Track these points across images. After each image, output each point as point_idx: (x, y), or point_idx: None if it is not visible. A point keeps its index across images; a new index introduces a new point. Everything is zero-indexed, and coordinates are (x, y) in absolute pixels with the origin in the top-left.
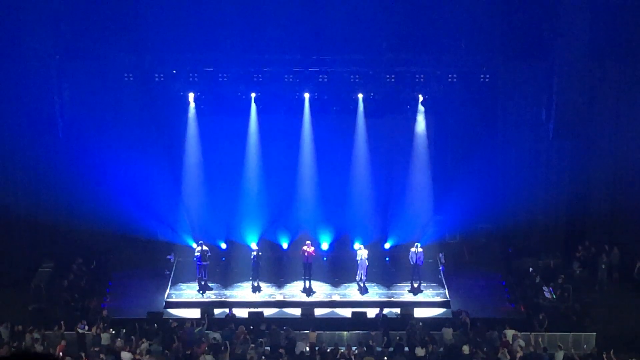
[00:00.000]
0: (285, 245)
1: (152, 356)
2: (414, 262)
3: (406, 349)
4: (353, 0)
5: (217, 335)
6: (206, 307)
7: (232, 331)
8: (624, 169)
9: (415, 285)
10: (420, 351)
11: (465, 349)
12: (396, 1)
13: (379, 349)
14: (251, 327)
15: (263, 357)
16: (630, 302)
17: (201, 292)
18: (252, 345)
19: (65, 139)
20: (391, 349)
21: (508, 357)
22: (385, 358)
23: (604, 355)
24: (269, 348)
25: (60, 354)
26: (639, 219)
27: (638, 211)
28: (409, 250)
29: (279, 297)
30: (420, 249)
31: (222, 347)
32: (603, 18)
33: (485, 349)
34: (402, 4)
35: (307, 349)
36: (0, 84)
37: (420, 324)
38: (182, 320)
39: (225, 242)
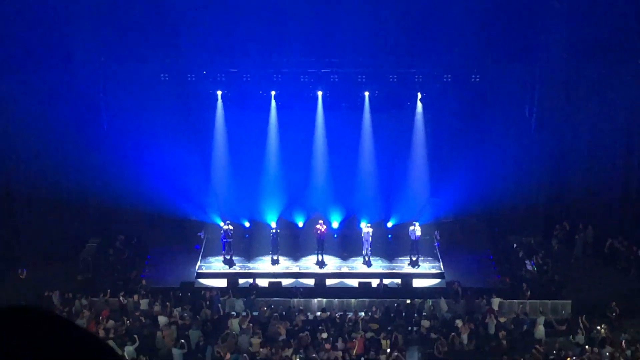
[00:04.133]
0: (300, 224)
1: (184, 320)
2: (413, 238)
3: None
4: (360, 11)
5: (240, 302)
6: (231, 278)
7: (254, 299)
8: (597, 158)
9: (414, 259)
10: (425, 323)
11: (459, 323)
12: (397, 12)
13: (380, 314)
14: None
15: (275, 314)
16: (601, 274)
17: (227, 264)
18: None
19: (109, 130)
20: (392, 314)
21: (494, 322)
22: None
23: (578, 320)
24: (284, 312)
25: (101, 317)
26: (610, 202)
27: (609, 195)
28: (409, 229)
29: (295, 269)
30: (418, 227)
31: (245, 314)
32: (579, 25)
33: (474, 315)
34: (402, 14)
35: (319, 313)
36: (55, 84)
37: (419, 301)
38: (210, 289)
39: (248, 221)
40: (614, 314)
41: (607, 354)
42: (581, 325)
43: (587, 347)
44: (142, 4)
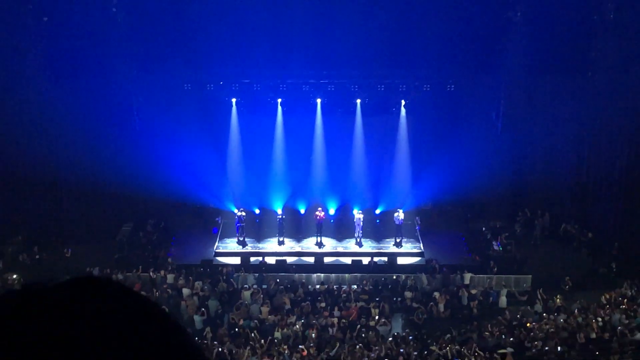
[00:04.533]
0: (302, 211)
1: (204, 292)
2: (397, 223)
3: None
4: (352, 31)
5: (251, 276)
6: (244, 256)
7: (263, 274)
8: (552, 155)
9: (398, 240)
10: (408, 294)
11: (436, 294)
12: (384, 31)
13: (370, 287)
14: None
15: (281, 287)
16: (556, 253)
17: (240, 245)
18: (277, 280)
19: (141, 131)
20: (380, 287)
21: (466, 294)
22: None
23: (537, 292)
24: (289, 285)
25: (135, 289)
26: (564, 192)
27: (563, 186)
28: (394, 215)
29: (298, 249)
30: (402, 214)
31: (255, 286)
32: (538, 42)
33: (449, 288)
34: (389, 34)
35: (318, 286)
36: (97, 91)
37: (403, 276)
38: (226, 266)
39: (258, 208)
40: (567, 287)
41: (561, 320)
42: (539, 296)
43: (544, 314)
44: (169, 26)
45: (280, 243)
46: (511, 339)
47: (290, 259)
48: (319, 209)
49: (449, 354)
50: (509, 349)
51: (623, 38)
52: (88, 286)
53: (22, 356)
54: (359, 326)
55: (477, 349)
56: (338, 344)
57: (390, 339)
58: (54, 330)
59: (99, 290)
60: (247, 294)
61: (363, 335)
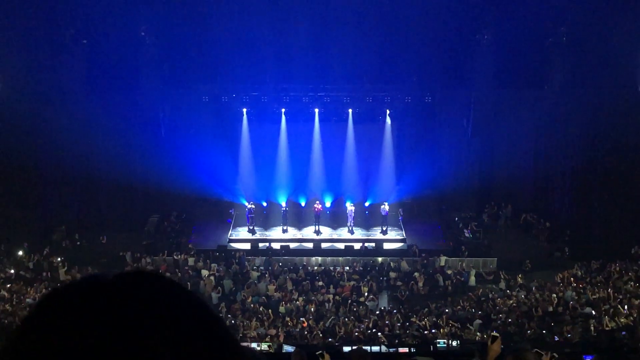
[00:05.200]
0: (303, 204)
1: (220, 272)
2: (383, 214)
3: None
4: (346, 52)
5: (260, 260)
6: (253, 242)
7: (270, 258)
8: (514, 156)
9: (384, 229)
10: (392, 274)
11: (417, 275)
12: (371, 53)
13: (360, 268)
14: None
15: (285, 268)
16: (517, 239)
17: (250, 233)
18: (280, 263)
19: (166, 136)
20: (368, 268)
21: (441, 277)
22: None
23: (501, 272)
24: (292, 266)
25: (160, 270)
26: (524, 188)
27: (523, 182)
28: (380, 207)
29: (299, 236)
30: (387, 206)
31: (262, 268)
32: (502, 60)
33: (427, 269)
34: (375, 55)
35: (316, 268)
36: (127, 102)
37: (388, 259)
38: (238, 250)
39: (265, 201)
40: (527, 268)
41: (522, 296)
42: (503, 276)
43: (507, 291)
44: (189, 47)
45: (284, 231)
46: (479, 312)
47: (292, 245)
48: (317, 202)
49: (427, 324)
50: (495, 333)
51: (573, 58)
52: (144, 279)
53: (94, 343)
54: (350, 302)
55: (450, 321)
56: (333, 317)
57: (377, 312)
58: (119, 319)
59: (153, 283)
60: (255, 274)
61: (354, 309)
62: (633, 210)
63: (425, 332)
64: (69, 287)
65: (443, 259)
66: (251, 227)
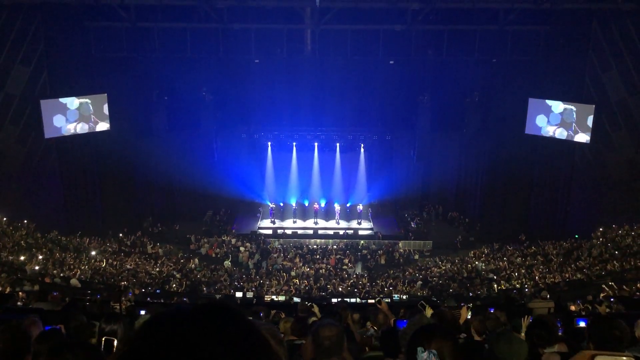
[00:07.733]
0: (306, 204)
1: (252, 249)
2: (359, 211)
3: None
4: (335, 107)
5: (277, 241)
6: (274, 230)
7: (284, 240)
8: (444, 173)
9: (359, 221)
10: (364, 251)
11: (380, 252)
12: (352, 107)
13: (343, 246)
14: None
15: (294, 247)
16: (446, 229)
17: (272, 223)
18: (291, 244)
19: (218, 159)
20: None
21: (397, 252)
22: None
23: (436, 252)
24: (299, 246)
25: (213, 246)
26: (449, 195)
27: (448, 191)
28: (357, 206)
29: (304, 225)
30: (361, 206)
31: (279, 247)
32: (436, 112)
33: (387, 249)
34: (355, 108)
35: (315, 246)
36: (193, 139)
37: (362, 241)
38: (264, 235)
39: (282, 202)
40: (453, 248)
41: (448, 265)
42: (437, 255)
43: (439, 262)
44: (234, 101)
45: (294, 222)
46: (420, 276)
47: (299, 231)
48: (315, 203)
49: (387, 285)
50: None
51: (482, 112)
52: (218, 312)
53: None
54: (337, 269)
55: (401, 283)
56: (325, 280)
57: (354, 276)
58: (199, 347)
59: (227, 316)
60: (275, 248)
61: (339, 273)
62: (519, 210)
63: (385, 289)
64: (160, 317)
65: (399, 242)
66: (272, 220)
